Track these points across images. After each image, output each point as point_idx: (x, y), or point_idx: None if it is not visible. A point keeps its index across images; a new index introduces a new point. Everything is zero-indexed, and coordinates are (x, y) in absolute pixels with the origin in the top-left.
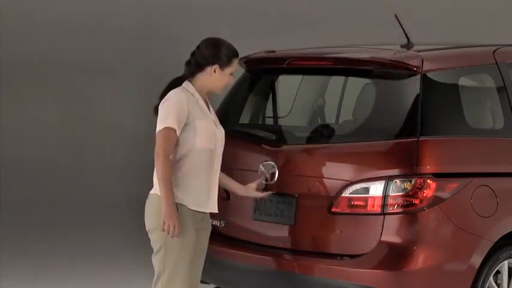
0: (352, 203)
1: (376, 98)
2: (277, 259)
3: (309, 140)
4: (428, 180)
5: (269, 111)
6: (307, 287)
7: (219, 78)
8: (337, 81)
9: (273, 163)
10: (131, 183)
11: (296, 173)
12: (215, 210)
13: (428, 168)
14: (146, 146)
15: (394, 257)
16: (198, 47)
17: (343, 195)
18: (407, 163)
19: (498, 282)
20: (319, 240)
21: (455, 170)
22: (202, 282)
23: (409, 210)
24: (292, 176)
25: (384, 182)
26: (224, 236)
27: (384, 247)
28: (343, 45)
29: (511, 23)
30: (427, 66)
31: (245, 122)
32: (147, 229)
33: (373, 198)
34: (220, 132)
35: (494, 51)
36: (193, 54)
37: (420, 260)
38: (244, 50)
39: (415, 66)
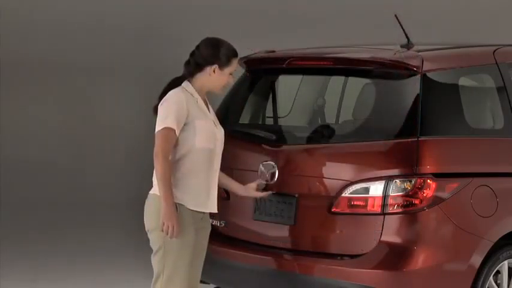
0: (352, 203)
1: (376, 98)
2: (277, 259)
3: (309, 140)
4: (428, 180)
5: (269, 111)
6: (307, 287)
7: (218, 78)
8: (337, 81)
9: (273, 163)
10: (131, 183)
11: (296, 173)
12: (214, 210)
13: (428, 168)
14: (146, 146)
15: (394, 257)
16: (198, 47)
17: (343, 195)
18: (407, 163)
19: (498, 282)
20: (319, 240)
21: (455, 170)
22: (202, 282)
23: (409, 210)
24: (292, 176)
25: (384, 182)
26: (224, 236)
27: (384, 247)
28: (343, 45)
29: (511, 23)
30: (427, 66)
31: (245, 122)
32: (146, 229)
33: (373, 198)
34: (220, 132)
35: (494, 51)
36: (192, 54)
37: (420, 260)
38: (244, 50)
39: (415, 66)
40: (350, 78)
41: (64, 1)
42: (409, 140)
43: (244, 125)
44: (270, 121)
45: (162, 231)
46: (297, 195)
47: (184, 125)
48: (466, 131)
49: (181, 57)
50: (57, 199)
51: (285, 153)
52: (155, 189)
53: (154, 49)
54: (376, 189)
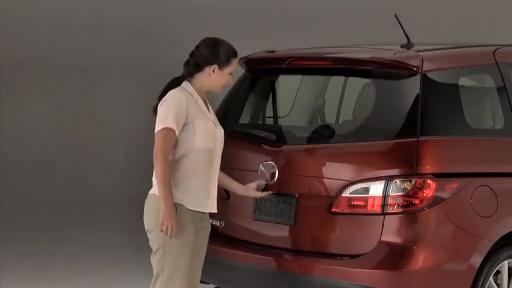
0: (352, 203)
1: (376, 98)
2: (277, 259)
3: (309, 140)
4: (428, 180)
5: (269, 111)
6: (307, 287)
7: (218, 78)
8: (337, 81)
9: (273, 163)
10: (131, 183)
11: (296, 173)
12: (214, 210)
13: (428, 168)
14: (146, 146)
15: (394, 257)
16: (197, 47)
17: (343, 195)
18: (407, 163)
19: (498, 282)
20: (319, 240)
21: (455, 170)
22: (202, 282)
23: (409, 210)
24: (292, 176)
25: (384, 182)
26: (224, 236)
27: (384, 247)
28: (343, 45)
29: (511, 23)
30: (427, 66)
31: (245, 122)
32: (146, 229)
33: (373, 198)
34: (220, 132)
35: (494, 51)
36: (192, 54)
37: (420, 260)
38: (244, 50)
39: (415, 66)
40: (350, 78)
41: (64, 1)
42: (409, 140)
43: (244, 125)
44: (270, 121)
45: (162, 231)
46: (297, 195)
47: (184, 125)
48: (466, 131)
49: (181, 57)
50: (57, 199)
51: (285, 153)
52: (155, 189)
53: (154, 49)
54: (376, 189)
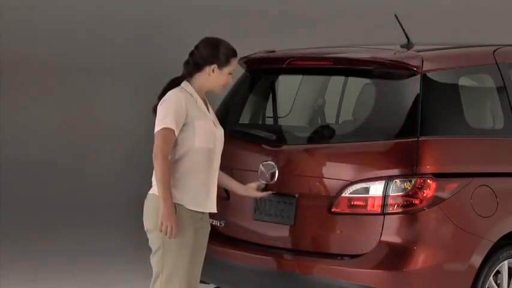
0: (352, 203)
1: (376, 98)
2: (277, 259)
3: (309, 140)
4: (428, 180)
5: (269, 111)
6: (307, 287)
7: (217, 78)
8: (337, 81)
9: (273, 163)
10: (131, 183)
11: (296, 173)
12: (214, 210)
13: (428, 168)
14: (146, 146)
15: (394, 257)
16: (197, 47)
17: (343, 195)
18: (407, 163)
19: (498, 282)
20: (319, 240)
21: (455, 170)
22: (202, 282)
23: (409, 210)
24: (292, 176)
25: (383, 182)
26: (224, 236)
27: (384, 247)
28: (343, 45)
29: (511, 23)
30: (427, 66)
31: (245, 122)
32: (145, 229)
33: (373, 198)
34: (219, 132)
35: (494, 51)
36: (191, 54)
37: (420, 260)
38: (244, 50)
39: (415, 66)
40: (350, 78)
41: (64, 1)
42: (409, 140)
43: (244, 125)
44: (270, 121)
45: (161, 231)
46: (297, 195)
47: (184, 125)
48: (466, 131)
49: (181, 57)
50: (57, 199)
51: (285, 153)
52: (154, 189)
53: (154, 49)
54: (376, 189)
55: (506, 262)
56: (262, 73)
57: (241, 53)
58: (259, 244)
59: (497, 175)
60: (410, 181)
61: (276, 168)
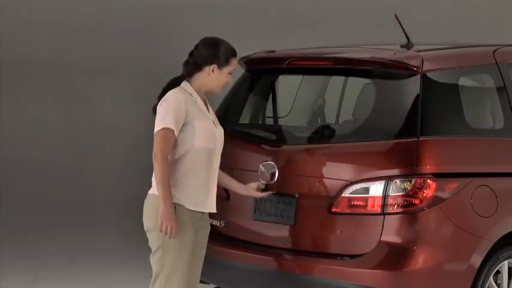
0: (352, 203)
1: (376, 98)
2: (277, 259)
3: (309, 140)
4: (428, 180)
5: (269, 111)
6: (307, 287)
7: (217, 78)
8: (337, 81)
9: (273, 163)
10: (131, 183)
11: (296, 173)
12: (213, 210)
13: (428, 168)
14: (146, 146)
15: (394, 257)
16: (196, 47)
17: (343, 195)
18: (407, 163)
19: (498, 282)
20: (319, 240)
21: (455, 170)
22: (202, 282)
23: (409, 210)
24: (292, 176)
25: (384, 182)
26: (224, 236)
27: (384, 247)
28: (343, 45)
29: (511, 23)
30: (427, 66)
31: (245, 122)
32: (145, 229)
33: (373, 198)
34: (219, 131)
35: (494, 51)
36: (191, 54)
37: (420, 260)
38: (244, 50)
39: (415, 66)
40: (350, 78)
41: (64, 1)
42: (409, 140)
43: (244, 125)
44: (270, 121)
45: (161, 231)
46: (297, 195)
47: (183, 125)
48: (466, 131)
49: (181, 57)
50: (57, 199)
51: (285, 153)
52: (154, 189)
53: (154, 49)
54: (376, 189)
55: (506, 262)
56: (262, 73)
57: (241, 53)
58: (259, 244)
59: (497, 175)
60: (410, 181)
61: (276, 168)
